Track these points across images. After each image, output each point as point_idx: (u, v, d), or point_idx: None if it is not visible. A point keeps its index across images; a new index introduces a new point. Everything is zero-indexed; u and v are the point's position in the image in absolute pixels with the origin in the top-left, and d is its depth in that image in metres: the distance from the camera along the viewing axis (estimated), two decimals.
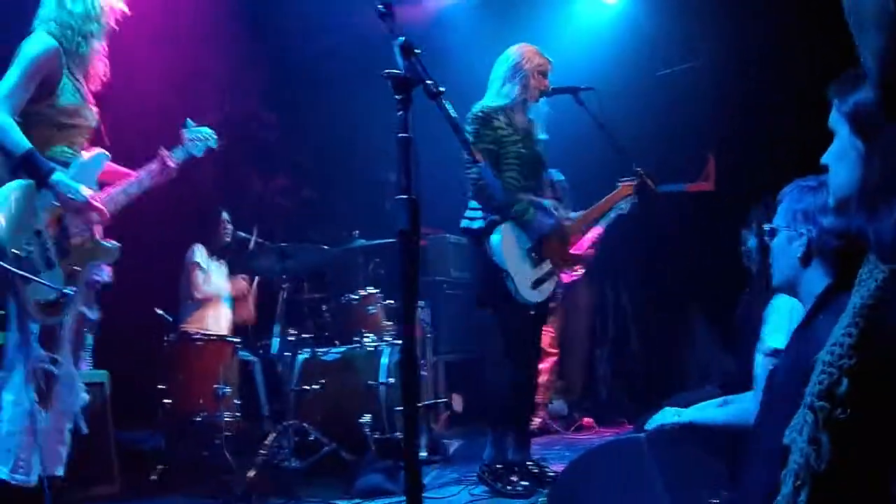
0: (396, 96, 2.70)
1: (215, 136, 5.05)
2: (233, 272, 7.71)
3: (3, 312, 4.14)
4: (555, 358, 8.71)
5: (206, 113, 8.50)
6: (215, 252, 7.56)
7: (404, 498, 2.62)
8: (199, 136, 4.96)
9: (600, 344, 9.88)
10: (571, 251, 6.04)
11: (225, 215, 7.58)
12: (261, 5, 8.68)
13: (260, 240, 7.32)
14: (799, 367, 2.48)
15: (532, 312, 5.75)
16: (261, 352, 7.45)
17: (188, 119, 4.98)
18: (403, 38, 2.76)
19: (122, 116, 5.48)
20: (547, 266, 5.73)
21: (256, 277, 7.85)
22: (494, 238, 5.53)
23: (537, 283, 5.67)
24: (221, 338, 6.87)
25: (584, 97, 5.79)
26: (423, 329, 8.11)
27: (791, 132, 8.23)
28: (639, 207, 6.18)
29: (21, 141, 4.06)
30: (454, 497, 5.58)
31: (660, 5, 9.17)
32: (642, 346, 10.08)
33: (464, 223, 5.77)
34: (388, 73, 2.72)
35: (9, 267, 3.81)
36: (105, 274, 7.30)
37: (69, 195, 4.19)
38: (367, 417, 6.43)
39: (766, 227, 3.01)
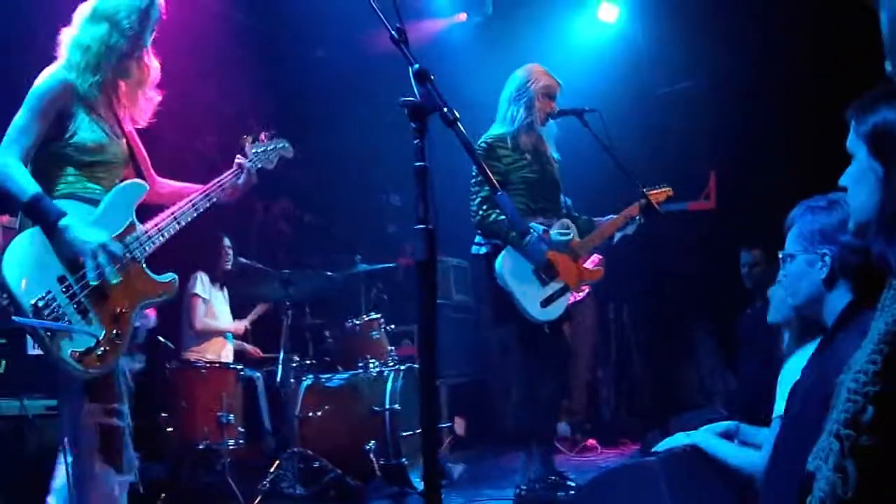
0: (412, 124, 2.65)
1: (288, 144, 4.67)
2: (235, 299, 7.67)
3: None
4: None
5: (205, 137, 8.55)
6: (217, 279, 7.51)
7: None
8: (269, 148, 4.57)
9: (603, 364, 9.84)
10: (584, 266, 6.03)
11: (227, 241, 7.54)
12: (263, 28, 8.69)
13: (261, 266, 7.27)
14: (821, 388, 2.47)
15: (546, 330, 5.79)
16: (268, 376, 7.41)
17: (258, 134, 4.60)
18: (419, 65, 2.71)
19: None
20: (558, 284, 5.75)
21: (255, 312, 7.83)
22: (497, 263, 5.60)
23: (547, 302, 5.69)
24: (224, 365, 6.83)
25: (588, 118, 5.77)
26: (435, 354, 8.07)
27: (791, 150, 8.25)
28: (644, 228, 6.17)
29: (26, 186, 3.67)
30: None
31: (659, 24, 9.19)
32: (645, 366, 10.05)
33: (473, 249, 5.87)
34: (404, 101, 2.67)
35: (25, 321, 3.49)
36: (151, 320, 7.25)
37: (77, 244, 3.69)
38: (371, 444, 6.35)
39: (781, 254, 2.97)
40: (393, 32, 2.81)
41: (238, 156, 4.37)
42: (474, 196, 5.72)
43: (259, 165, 4.44)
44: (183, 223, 4.09)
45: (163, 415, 6.39)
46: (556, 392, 6.03)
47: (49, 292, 3.59)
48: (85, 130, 3.89)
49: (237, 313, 7.79)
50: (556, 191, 6.03)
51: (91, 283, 3.70)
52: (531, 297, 5.64)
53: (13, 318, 3.50)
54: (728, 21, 8.65)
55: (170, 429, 6.36)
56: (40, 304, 3.54)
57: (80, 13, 3.95)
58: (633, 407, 10.02)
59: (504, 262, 5.60)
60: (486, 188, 5.59)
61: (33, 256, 3.63)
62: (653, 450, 3.87)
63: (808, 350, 3.26)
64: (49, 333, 3.53)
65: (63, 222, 3.67)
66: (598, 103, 5.97)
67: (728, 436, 3.75)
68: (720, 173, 8.84)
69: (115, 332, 3.73)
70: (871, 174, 2.00)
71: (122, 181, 4.01)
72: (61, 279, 3.66)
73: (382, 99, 9.02)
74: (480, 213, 5.67)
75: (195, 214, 4.13)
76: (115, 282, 3.78)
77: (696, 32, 8.90)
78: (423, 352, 2.66)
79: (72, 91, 3.88)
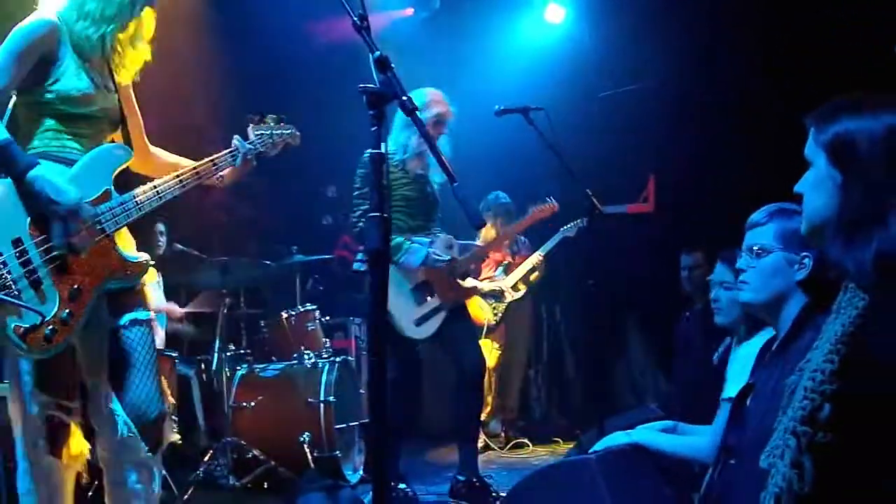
0: (370, 111, 2.62)
1: (296, 131, 4.42)
2: (170, 286, 7.57)
3: None
4: (494, 377, 8.70)
5: (148, 121, 8.41)
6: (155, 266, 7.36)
7: None
8: (274, 133, 4.27)
9: (535, 364, 9.88)
10: (462, 284, 6.26)
11: (160, 227, 7.42)
12: (211, 14, 8.60)
13: (197, 252, 7.17)
14: (780, 391, 2.52)
15: (418, 348, 6.10)
16: (202, 366, 7.32)
17: (267, 115, 4.36)
18: (379, 53, 2.69)
19: None
20: (434, 302, 5.97)
21: (195, 300, 7.72)
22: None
23: (421, 321, 5.92)
24: (159, 352, 6.71)
25: (533, 116, 5.77)
26: (358, 346, 8.07)
27: (733, 155, 8.34)
28: (585, 230, 6.23)
29: None
30: None
31: (605, 26, 9.26)
32: (577, 365, 10.13)
33: (356, 265, 6.05)
34: (364, 87, 2.63)
35: None
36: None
37: (49, 195, 3.30)
38: (306, 435, 6.31)
39: (756, 246, 3.01)
40: (355, 19, 2.79)
41: (235, 136, 4.08)
42: (356, 208, 5.87)
43: (260, 149, 4.16)
44: (166, 199, 3.72)
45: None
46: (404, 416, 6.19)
47: (0, 255, 3.23)
48: (70, 77, 3.52)
49: (172, 300, 7.68)
50: (435, 209, 6.20)
51: (55, 251, 3.34)
52: (405, 315, 5.87)
53: None
54: (674, 25, 8.72)
55: None
56: None
57: None
58: (564, 406, 10.09)
59: None
60: (368, 202, 5.62)
61: None
62: (591, 450, 3.88)
63: (761, 338, 3.33)
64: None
65: (33, 173, 3.28)
66: (543, 102, 5.95)
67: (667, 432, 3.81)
68: (661, 176, 8.95)
69: (67, 311, 3.33)
70: (830, 181, 2.04)
71: (102, 142, 3.65)
72: (16, 242, 3.27)
73: (320, 90, 8.98)
74: (360, 225, 5.79)
75: (180, 191, 3.77)
76: (82, 254, 3.41)
77: (641, 36, 8.97)
78: (374, 340, 2.64)
79: (59, 35, 3.51)
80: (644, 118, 9.03)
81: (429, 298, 5.93)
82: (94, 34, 3.56)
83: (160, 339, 7.26)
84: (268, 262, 7.15)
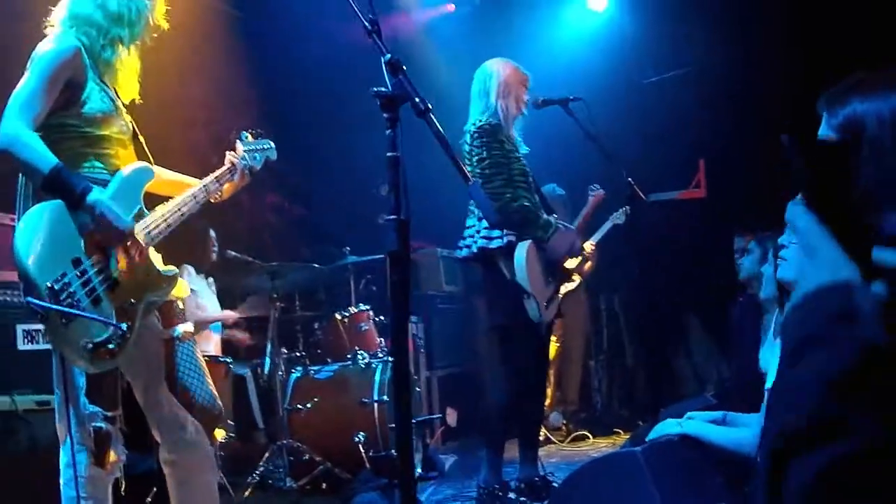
0: (385, 114, 2.64)
1: (273, 146, 4.53)
2: (223, 292, 7.65)
3: None
4: (553, 370, 8.67)
5: (195, 130, 8.53)
6: (203, 271, 7.45)
7: None
8: (257, 147, 4.43)
9: (595, 355, 9.83)
10: (567, 266, 5.86)
11: (212, 233, 7.50)
12: (252, 20, 8.67)
13: (249, 258, 7.24)
14: None
15: (542, 332, 5.68)
16: (257, 370, 7.40)
17: (243, 132, 4.48)
18: (390, 56, 2.70)
19: None
20: (554, 284, 5.68)
21: (246, 304, 7.79)
22: (518, 257, 5.38)
23: (549, 302, 5.59)
24: (213, 358, 6.81)
25: (573, 107, 5.73)
26: (416, 344, 8.08)
27: (779, 135, 8.22)
28: (631, 217, 6.15)
29: (47, 156, 3.36)
30: None
31: (647, 12, 9.17)
32: (637, 355, 10.05)
33: (481, 242, 5.49)
34: (376, 91, 2.66)
35: (42, 304, 3.21)
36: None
37: (111, 220, 3.44)
38: (361, 435, 6.36)
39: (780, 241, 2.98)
40: (366, 24, 2.81)
41: (228, 153, 4.23)
42: (491, 180, 5.41)
43: (249, 164, 4.31)
44: (187, 215, 3.88)
45: None
46: (541, 397, 6.00)
47: (64, 275, 3.31)
48: (95, 100, 3.63)
49: (226, 305, 7.76)
50: (538, 186, 5.86)
51: (112, 271, 3.48)
52: (542, 297, 5.49)
53: (28, 299, 3.25)
54: (717, 7, 8.63)
55: None
56: (56, 286, 3.26)
57: None
58: (625, 397, 10.03)
59: (527, 254, 5.38)
60: (505, 172, 5.45)
61: (48, 234, 3.33)
62: (646, 439, 3.87)
63: None
64: (65, 320, 3.25)
65: (92, 198, 3.40)
66: (587, 92, 5.93)
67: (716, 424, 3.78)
68: (710, 161, 8.85)
69: (126, 324, 3.44)
70: None
71: (122, 161, 3.74)
72: (76, 261, 3.38)
73: (370, 89, 9.01)
74: (507, 195, 5.39)
75: (197, 207, 3.95)
76: (131, 273, 3.56)
77: (684, 20, 8.89)
78: (396, 342, 2.64)
79: (83, 57, 3.61)
80: (691, 103, 8.95)
81: (552, 280, 5.63)
82: (110, 56, 3.70)
83: (215, 345, 7.35)
84: (318, 266, 7.19)
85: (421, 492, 6.14)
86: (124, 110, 3.83)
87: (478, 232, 5.51)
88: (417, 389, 7.12)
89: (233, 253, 7.38)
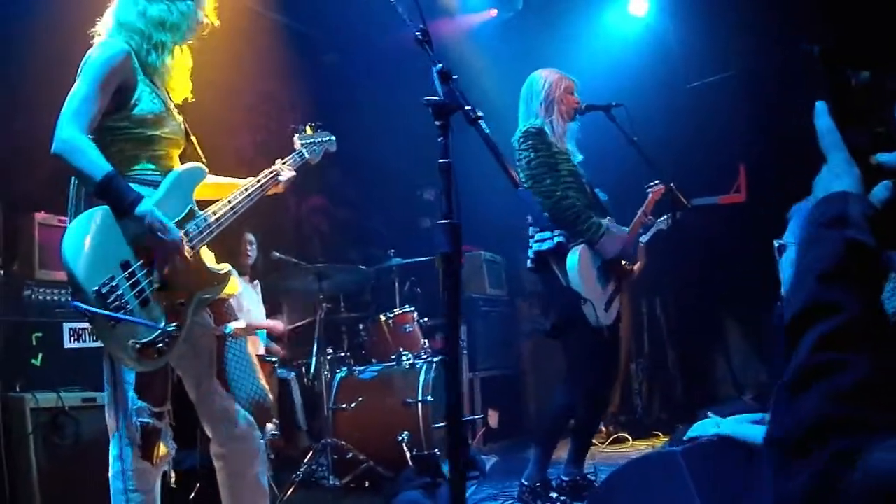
0: (436, 122, 2.73)
1: (334, 139, 4.62)
2: (267, 293, 7.75)
3: None
4: None
5: (241, 135, 8.67)
6: (244, 274, 7.53)
7: None
8: (317, 140, 4.53)
9: (636, 357, 9.87)
10: (626, 266, 5.85)
11: (249, 236, 7.57)
12: (300, 28, 8.78)
13: (295, 260, 7.35)
14: None
15: (606, 334, 5.60)
16: (302, 370, 7.50)
17: (301, 125, 4.60)
18: (441, 65, 2.78)
19: None
20: (613, 285, 5.68)
21: (286, 315, 7.90)
22: (571, 262, 5.43)
23: (608, 305, 5.61)
24: (260, 357, 6.93)
25: (615, 113, 5.78)
26: (459, 346, 8.14)
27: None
28: (676, 222, 6.16)
29: (100, 162, 3.42)
30: None
31: (688, 17, 9.18)
32: (677, 359, 10.06)
33: (535, 247, 5.60)
34: (428, 99, 2.75)
35: (88, 308, 3.28)
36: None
37: (158, 232, 3.51)
38: (404, 434, 6.45)
39: (777, 243, 3.05)
40: (416, 33, 2.89)
41: (278, 162, 4.31)
42: (540, 180, 5.49)
43: (308, 157, 4.44)
44: (239, 213, 3.97)
45: None
46: (605, 399, 6.03)
47: (112, 278, 3.38)
48: (146, 101, 3.69)
49: (271, 310, 7.86)
50: (590, 189, 5.87)
51: (160, 275, 3.57)
52: (599, 301, 5.50)
53: (74, 303, 3.33)
54: (758, 12, 8.63)
55: None
56: (104, 290, 3.33)
57: None
58: (665, 400, 10.04)
59: (580, 259, 5.42)
60: (553, 171, 5.51)
61: (96, 239, 3.39)
62: (684, 438, 3.92)
63: None
64: (112, 323, 3.34)
65: (142, 208, 3.47)
66: (628, 97, 5.95)
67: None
68: (751, 166, 8.85)
69: (174, 325, 3.56)
70: None
71: (174, 161, 3.85)
72: (125, 265, 3.45)
73: (414, 95, 9.09)
74: (558, 193, 5.45)
75: (250, 204, 4.03)
76: (179, 273, 3.64)
77: (725, 25, 8.88)
78: (449, 342, 2.73)
79: (133, 61, 3.69)
80: (731, 108, 8.95)
81: (608, 282, 5.63)
82: (155, 60, 3.77)
83: (260, 350, 7.46)
84: (363, 268, 7.28)
85: None
86: (176, 111, 3.91)
87: (531, 237, 5.62)
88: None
89: (278, 255, 7.49)
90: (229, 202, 3.95)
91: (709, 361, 9.73)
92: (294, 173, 4.31)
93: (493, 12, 9.66)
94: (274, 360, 6.98)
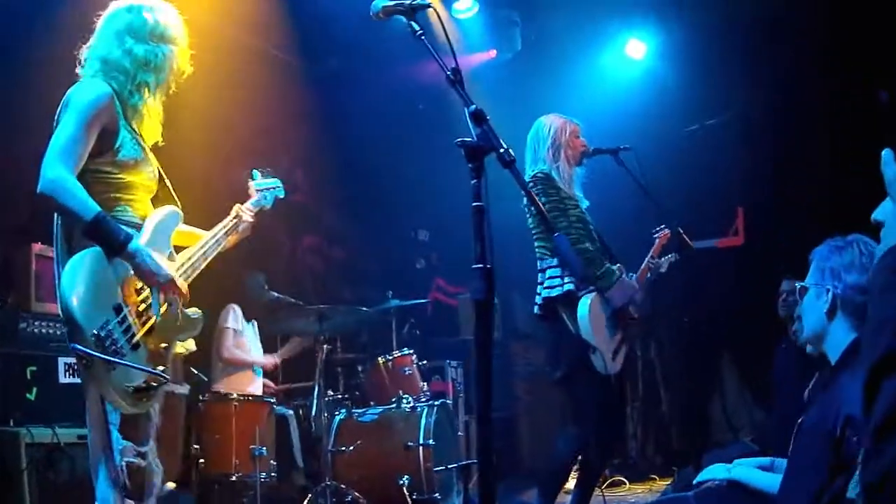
0: (469, 164, 2.68)
1: (282, 186, 4.62)
2: (267, 334, 7.71)
3: None
4: None
5: (235, 169, 8.62)
6: (251, 314, 7.54)
7: None
8: (267, 187, 4.53)
9: (630, 401, 9.83)
10: (633, 314, 5.78)
11: (260, 278, 7.58)
12: (300, 64, 8.78)
13: (294, 300, 7.29)
14: (823, 426, 2.65)
15: (613, 382, 5.53)
16: (300, 411, 7.45)
17: (254, 170, 4.59)
18: (475, 106, 2.75)
19: None
20: (620, 333, 5.60)
21: (290, 349, 7.87)
22: (582, 311, 5.33)
23: (616, 353, 5.53)
24: (258, 398, 6.87)
25: (623, 157, 5.77)
26: (455, 389, 8.11)
27: (818, 184, 8.26)
28: (673, 265, 6.15)
29: (89, 203, 3.39)
30: None
31: (686, 61, 9.23)
32: (672, 402, 10.04)
33: (544, 293, 5.49)
34: (462, 141, 2.70)
35: (90, 352, 3.26)
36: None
37: (152, 268, 3.53)
38: (405, 478, 6.37)
39: (798, 285, 3.06)
40: (449, 73, 2.86)
41: (238, 207, 4.33)
42: (562, 219, 5.41)
43: (263, 204, 4.46)
44: (209, 259, 4.02)
45: (195, 446, 6.46)
46: (611, 444, 5.96)
47: (107, 322, 3.36)
48: (128, 147, 3.69)
49: (267, 348, 7.81)
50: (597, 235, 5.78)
51: (155, 317, 3.61)
52: (607, 349, 5.41)
53: (73, 345, 3.27)
54: (756, 56, 8.69)
55: (202, 460, 6.45)
56: (102, 333, 3.31)
57: (121, 24, 3.77)
58: (660, 443, 10.00)
59: (591, 307, 5.33)
60: (565, 217, 5.41)
61: (93, 280, 3.37)
62: (693, 482, 3.89)
63: None
64: (111, 367, 3.33)
65: (133, 246, 3.47)
66: (627, 139, 5.94)
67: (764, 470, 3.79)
68: (749, 208, 8.88)
69: (161, 369, 3.60)
70: None
71: (146, 206, 3.83)
72: (117, 309, 3.44)
73: (411, 137, 9.11)
74: (572, 236, 5.37)
75: (218, 250, 4.09)
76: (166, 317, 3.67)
77: (723, 68, 8.94)
78: (480, 388, 2.66)
79: (116, 104, 3.67)
80: (729, 151, 8.99)
81: (616, 330, 5.54)
82: (138, 101, 3.77)
83: (258, 388, 7.41)
84: (365, 309, 7.23)
85: None
86: (151, 155, 3.88)
87: (541, 283, 5.53)
88: (460, 434, 7.13)
89: (276, 294, 7.44)
90: (202, 248, 4.01)
91: (703, 404, 9.70)
92: (252, 220, 4.34)
93: (493, 53, 9.68)
94: (272, 400, 6.91)
